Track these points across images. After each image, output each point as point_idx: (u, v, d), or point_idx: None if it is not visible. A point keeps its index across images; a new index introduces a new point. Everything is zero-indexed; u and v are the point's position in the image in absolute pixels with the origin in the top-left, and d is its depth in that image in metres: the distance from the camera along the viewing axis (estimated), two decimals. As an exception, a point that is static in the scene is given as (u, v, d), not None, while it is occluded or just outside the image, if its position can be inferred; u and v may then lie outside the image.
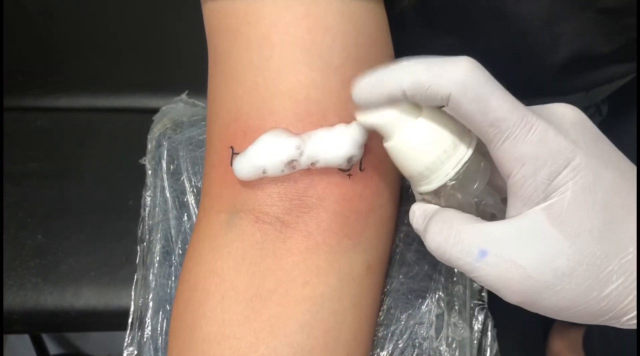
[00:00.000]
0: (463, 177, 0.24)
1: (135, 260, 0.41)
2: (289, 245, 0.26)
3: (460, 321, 0.36)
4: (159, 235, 0.41)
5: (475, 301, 0.37)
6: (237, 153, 0.26)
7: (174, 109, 0.45)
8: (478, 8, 0.36)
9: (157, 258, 0.40)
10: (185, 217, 0.41)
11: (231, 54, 0.27)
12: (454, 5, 0.37)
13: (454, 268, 0.36)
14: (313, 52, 0.26)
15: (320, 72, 0.26)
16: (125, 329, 0.39)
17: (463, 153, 0.24)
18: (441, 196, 0.25)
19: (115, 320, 0.56)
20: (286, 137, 0.25)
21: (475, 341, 0.36)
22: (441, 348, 0.35)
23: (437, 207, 0.25)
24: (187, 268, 0.28)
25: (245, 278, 0.26)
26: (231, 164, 0.26)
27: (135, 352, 0.39)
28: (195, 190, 0.42)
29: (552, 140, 0.21)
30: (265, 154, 0.25)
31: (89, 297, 0.56)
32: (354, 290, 0.27)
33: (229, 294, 0.26)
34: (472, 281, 0.37)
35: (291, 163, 0.25)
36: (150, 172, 0.43)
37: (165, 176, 0.42)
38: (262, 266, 0.26)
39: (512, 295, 0.21)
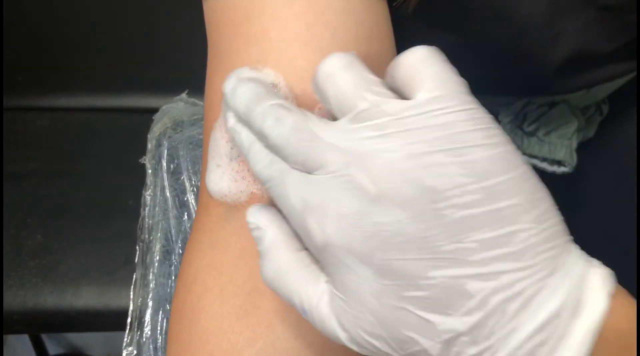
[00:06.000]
0: None
1: (135, 259, 0.41)
2: None
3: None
4: (159, 234, 0.41)
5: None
6: None
7: (174, 108, 0.45)
8: (477, 6, 0.36)
9: (157, 258, 0.40)
10: (186, 216, 0.41)
11: (230, 49, 0.27)
12: (454, 3, 0.37)
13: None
14: (312, 47, 0.26)
15: None
16: (125, 329, 0.39)
17: None
18: None
19: (115, 320, 0.56)
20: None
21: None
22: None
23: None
24: (187, 262, 0.28)
25: (244, 272, 0.25)
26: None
27: (135, 352, 0.39)
28: (195, 189, 0.42)
29: None
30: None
31: (88, 297, 0.56)
32: None
33: (228, 288, 0.25)
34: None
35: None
36: (150, 171, 0.43)
37: (165, 175, 0.42)
38: None
39: None
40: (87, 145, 0.65)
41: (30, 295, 0.55)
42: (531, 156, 0.51)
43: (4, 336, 0.86)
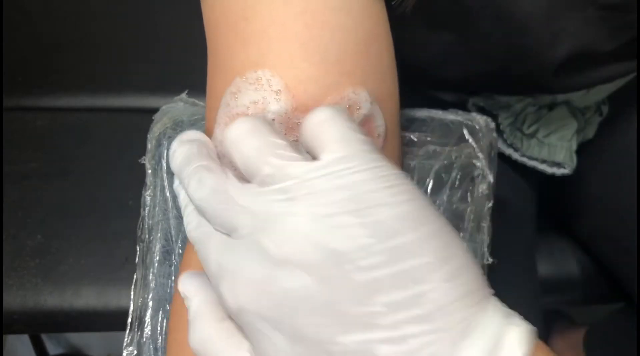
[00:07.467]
0: None
1: (135, 259, 0.41)
2: None
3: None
4: (159, 234, 0.41)
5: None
6: None
7: (174, 108, 0.45)
8: (477, 5, 0.36)
9: (157, 258, 0.40)
10: (185, 217, 0.41)
11: (229, 49, 0.27)
12: (453, 3, 0.37)
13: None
14: (311, 47, 0.26)
15: (318, 67, 0.26)
16: (125, 329, 0.39)
17: None
18: None
19: (115, 320, 0.56)
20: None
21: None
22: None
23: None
24: (187, 263, 0.28)
25: None
26: None
27: (135, 352, 0.38)
28: (195, 189, 0.42)
29: None
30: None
31: (89, 297, 0.56)
32: None
33: None
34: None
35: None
36: (150, 171, 0.43)
37: (165, 175, 0.42)
38: None
39: None
40: (87, 145, 0.65)
41: (30, 295, 0.55)
42: (531, 158, 0.51)
43: (4, 336, 0.86)
